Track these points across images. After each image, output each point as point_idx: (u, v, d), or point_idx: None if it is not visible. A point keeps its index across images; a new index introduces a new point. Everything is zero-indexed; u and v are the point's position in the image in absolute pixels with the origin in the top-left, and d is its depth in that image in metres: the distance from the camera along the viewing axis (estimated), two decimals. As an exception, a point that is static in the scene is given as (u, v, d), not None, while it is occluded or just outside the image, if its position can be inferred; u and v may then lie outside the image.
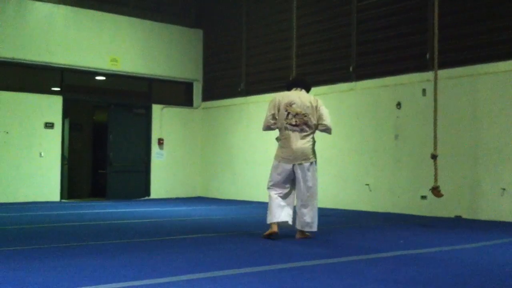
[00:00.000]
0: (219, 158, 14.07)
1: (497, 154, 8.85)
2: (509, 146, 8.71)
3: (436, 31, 7.64)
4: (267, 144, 12.72)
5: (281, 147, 6.48)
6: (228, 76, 14.02)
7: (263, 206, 11.45)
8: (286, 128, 6.37)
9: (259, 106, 13.03)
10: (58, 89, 12.70)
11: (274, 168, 6.45)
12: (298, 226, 6.33)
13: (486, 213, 8.88)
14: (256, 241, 6.22)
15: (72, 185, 13.55)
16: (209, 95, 14.54)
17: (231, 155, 13.72)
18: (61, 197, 12.43)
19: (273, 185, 6.41)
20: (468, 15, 9.43)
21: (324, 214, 9.69)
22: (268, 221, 6.29)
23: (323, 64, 11.64)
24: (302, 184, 6.31)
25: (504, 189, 8.69)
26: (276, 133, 6.69)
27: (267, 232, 6.24)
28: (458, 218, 9.09)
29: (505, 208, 8.66)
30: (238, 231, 7.10)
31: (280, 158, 6.45)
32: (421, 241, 6.33)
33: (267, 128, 6.58)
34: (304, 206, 6.30)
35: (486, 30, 9.17)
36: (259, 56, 13.16)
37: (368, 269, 4.57)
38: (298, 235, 6.36)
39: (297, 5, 9.34)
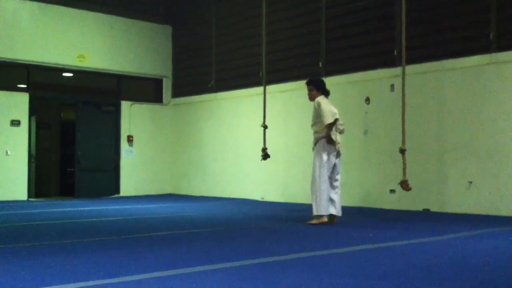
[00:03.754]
0: (189, 155, 14.01)
1: (463, 148, 9.01)
2: (475, 140, 8.87)
3: (404, 27, 7.72)
4: (237, 141, 12.73)
5: (331, 144, 7.35)
6: (198, 73, 13.97)
7: (234, 202, 11.50)
8: (337, 130, 7.46)
9: (229, 103, 13.03)
10: (25, 86, 12.49)
11: (325, 162, 7.32)
12: (334, 212, 7.35)
13: (453, 206, 9.03)
14: (227, 238, 6.22)
15: (40, 184, 13.34)
16: (179, 91, 14.46)
17: (201, 152, 13.68)
18: (29, 196, 12.23)
19: (326, 179, 7.33)
20: (434, 12, 9.56)
21: (296, 209, 9.74)
22: (322, 212, 7.24)
23: (293, 60, 11.68)
24: (337, 174, 7.46)
25: (470, 182, 8.85)
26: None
27: (319, 222, 7.22)
28: (426, 211, 9.23)
29: (472, 201, 8.82)
30: (209, 228, 7.09)
31: (330, 152, 7.37)
32: (390, 234, 6.41)
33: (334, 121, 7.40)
34: (337, 193, 7.42)
35: (452, 27, 9.32)
36: (229, 53, 13.14)
37: (338, 263, 4.61)
38: (335, 220, 7.36)
39: (267, 1, 9.33)
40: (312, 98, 7.63)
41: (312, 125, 7.59)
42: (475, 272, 4.21)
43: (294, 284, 3.78)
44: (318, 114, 7.43)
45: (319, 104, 7.40)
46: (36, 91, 12.59)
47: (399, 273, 4.14)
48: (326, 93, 7.63)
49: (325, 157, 7.33)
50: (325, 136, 7.36)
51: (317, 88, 7.61)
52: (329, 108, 7.38)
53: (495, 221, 7.66)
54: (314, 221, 7.26)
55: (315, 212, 7.27)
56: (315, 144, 7.50)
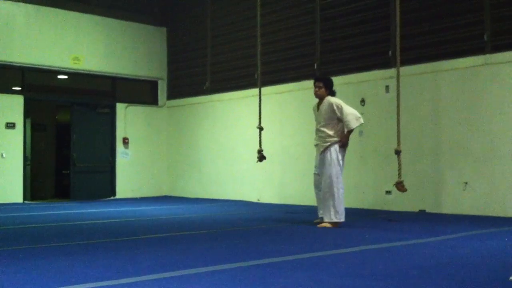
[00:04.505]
0: (185, 157, 14.01)
1: (459, 149, 9.03)
2: (471, 141, 8.90)
3: (398, 28, 7.74)
4: (233, 142, 12.73)
5: (344, 147, 7.21)
6: (193, 74, 13.97)
7: (230, 204, 11.50)
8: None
9: (224, 104, 13.03)
10: (19, 88, 12.45)
11: (342, 167, 7.20)
12: None
13: (449, 207, 9.06)
14: (224, 239, 6.22)
15: (36, 186, 13.31)
16: (174, 93, 14.46)
17: (197, 153, 13.68)
18: (24, 199, 12.20)
19: (343, 185, 7.25)
20: (429, 13, 9.59)
21: (292, 210, 9.75)
22: (342, 219, 7.11)
23: (288, 62, 11.70)
24: None
25: (466, 183, 8.88)
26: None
27: (332, 226, 7.08)
28: (422, 212, 9.25)
29: (467, 202, 8.85)
30: (205, 230, 7.09)
31: (343, 156, 7.23)
32: (386, 235, 6.43)
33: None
34: None
35: (447, 27, 9.35)
36: (224, 54, 13.15)
37: (334, 263, 4.62)
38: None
39: (262, 2, 9.34)
40: (319, 95, 7.34)
41: (323, 126, 7.23)
42: (471, 272, 4.23)
43: (291, 285, 3.78)
44: (332, 116, 7.14)
45: (338, 106, 7.10)
46: (31, 93, 12.57)
47: (395, 274, 4.15)
48: (333, 94, 7.38)
49: (341, 162, 7.17)
50: (345, 142, 7.14)
51: (326, 87, 7.34)
52: (352, 111, 7.12)
53: (490, 222, 7.69)
54: (327, 225, 7.09)
55: (333, 219, 7.05)
56: (325, 148, 7.17)
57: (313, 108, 7.67)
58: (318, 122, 7.38)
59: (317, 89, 7.37)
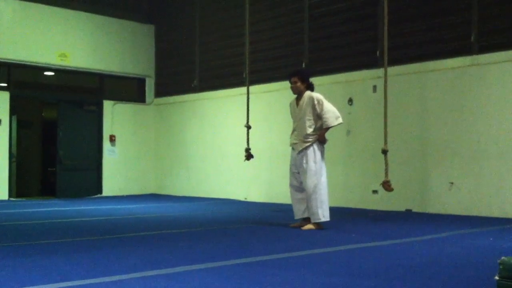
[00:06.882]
0: (173, 155, 13.97)
1: (445, 149, 9.09)
2: (457, 141, 8.96)
3: (386, 28, 7.77)
4: (221, 141, 12.71)
5: (322, 142, 6.95)
6: (181, 72, 13.93)
7: (217, 202, 11.50)
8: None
9: (212, 102, 13.01)
10: (5, 85, 12.35)
11: (324, 163, 6.99)
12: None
13: (435, 207, 9.11)
14: (210, 238, 6.21)
15: (21, 184, 13.20)
16: (162, 91, 14.41)
17: (185, 151, 13.65)
18: (10, 196, 12.10)
19: None
20: (416, 13, 9.64)
21: (278, 209, 9.76)
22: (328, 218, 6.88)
23: (276, 61, 11.70)
24: None
25: (452, 183, 8.94)
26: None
27: (319, 227, 6.92)
28: (408, 212, 9.30)
29: (453, 202, 8.91)
30: (192, 228, 7.08)
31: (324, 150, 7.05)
32: (373, 234, 6.45)
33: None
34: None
35: (434, 28, 9.40)
36: (213, 52, 13.12)
37: (321, 262, 4.63)
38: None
39: (250, 1, 9.34)
40: (297, 91, 6.93)
41: (302, 123, 6.82)
42: (456, 271, 4.25)
43: (278, 283, 3.78)
44: (313, 111, 6.76)
45: (319, 101, 6.73)
46: (17, 90, 12.47)
47: (382, 272, 4.17)
48: (311, 86, 6.94)
49: (323, 159, 6.88)
50: (321, 139, 6.80)
51: (302, 80, 6.88)
52: (332, 109, 6.73)
53: (476, 222, 7.74)
54: (312, 227, 6.81)
55: (322, 219, 6.77)
56: (305, 147, 6.79)
57: (290, 104, 7.21)
58: (297, 118, 6.95)
59: (292, 85, 6.94)
